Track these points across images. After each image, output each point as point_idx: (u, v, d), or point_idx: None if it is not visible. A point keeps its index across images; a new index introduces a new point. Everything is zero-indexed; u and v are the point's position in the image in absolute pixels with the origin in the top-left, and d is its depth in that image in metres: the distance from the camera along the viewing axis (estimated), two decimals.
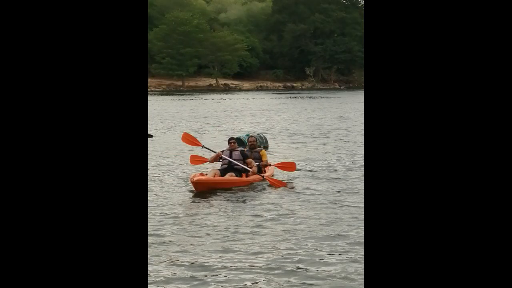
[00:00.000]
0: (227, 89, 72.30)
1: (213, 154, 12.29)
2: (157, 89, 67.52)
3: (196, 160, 12.62)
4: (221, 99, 50.85)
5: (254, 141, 12.94)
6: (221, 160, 12.04)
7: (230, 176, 11.43)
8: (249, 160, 11.97)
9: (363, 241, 6.41)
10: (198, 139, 13.86)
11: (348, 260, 6.58)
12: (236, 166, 11.75)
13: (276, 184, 11.35)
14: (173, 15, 70.68)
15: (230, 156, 11.93)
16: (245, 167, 11.78)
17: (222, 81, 72.25)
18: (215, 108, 38.38)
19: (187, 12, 72.67)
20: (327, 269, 6.33)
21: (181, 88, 68.97)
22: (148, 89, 66.20)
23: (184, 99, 50.09)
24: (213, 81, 73.99)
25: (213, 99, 50.24)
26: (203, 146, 12.75)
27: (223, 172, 11.61)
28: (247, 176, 11.75)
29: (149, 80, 69.54)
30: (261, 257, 6.78)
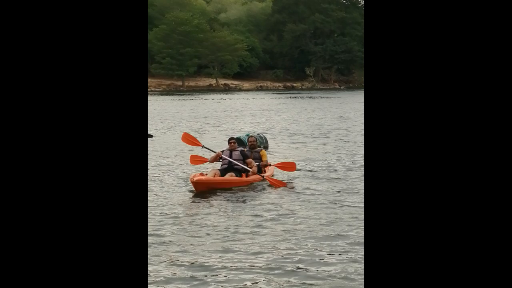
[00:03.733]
0: (227, 89, 72.17)
1: (213, 154, 12.27)
2: (157, 89, 67.49)
3: (196, 160, 12.54)
4: (221, 99, 50.83)
5: (254, 141, 12.87)
6: (221, 160, 12.05)
7: (230, 176, 11.42)
8: (249, 160, 11.93)
9: (363, 241, 6.40)
10: (198, 139, 13.85)
11: (348, 260, 6.57)
12: (236, 166, 11.73)
13: (276, 184, 11.33)
14: (173, 15, 70.61)
15: (230, 156, 11.89)
16: (245, 167, 11.77)
17: (222, 81, 72.24)
18: (215, 108, 38.37)
19: (187, 12, 72.56)
20: (327, 269, 6.32)
21: (181, 88, 68.91)
22: (148, 89, 66.11)
23: (184, 99, 50.06)
24: (213, 81, 73.91)
25: (213, 99, 50.21)
26: (203, 146, 12.71)
27: (223, 172, 11.60)
28: (247, 176, 11.71)
29: (149, 80, 69.44)
30: (261, 257, 6.78)
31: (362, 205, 8.61)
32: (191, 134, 15.14)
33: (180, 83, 70.20)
